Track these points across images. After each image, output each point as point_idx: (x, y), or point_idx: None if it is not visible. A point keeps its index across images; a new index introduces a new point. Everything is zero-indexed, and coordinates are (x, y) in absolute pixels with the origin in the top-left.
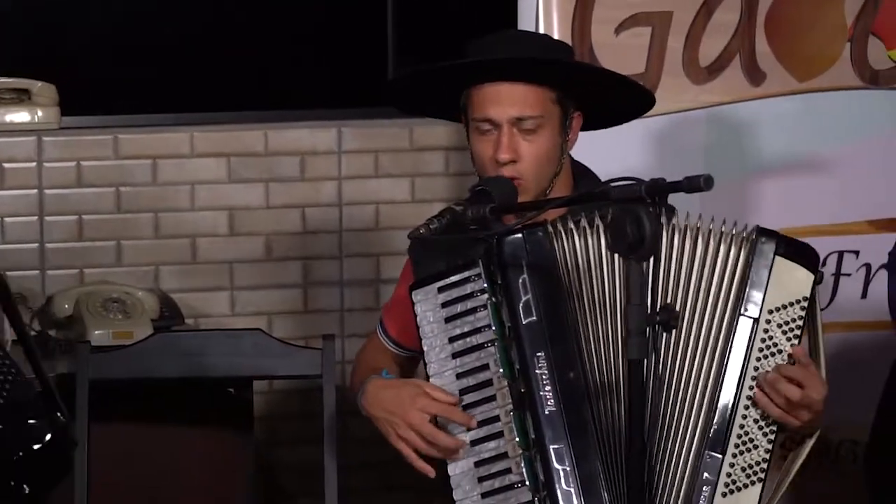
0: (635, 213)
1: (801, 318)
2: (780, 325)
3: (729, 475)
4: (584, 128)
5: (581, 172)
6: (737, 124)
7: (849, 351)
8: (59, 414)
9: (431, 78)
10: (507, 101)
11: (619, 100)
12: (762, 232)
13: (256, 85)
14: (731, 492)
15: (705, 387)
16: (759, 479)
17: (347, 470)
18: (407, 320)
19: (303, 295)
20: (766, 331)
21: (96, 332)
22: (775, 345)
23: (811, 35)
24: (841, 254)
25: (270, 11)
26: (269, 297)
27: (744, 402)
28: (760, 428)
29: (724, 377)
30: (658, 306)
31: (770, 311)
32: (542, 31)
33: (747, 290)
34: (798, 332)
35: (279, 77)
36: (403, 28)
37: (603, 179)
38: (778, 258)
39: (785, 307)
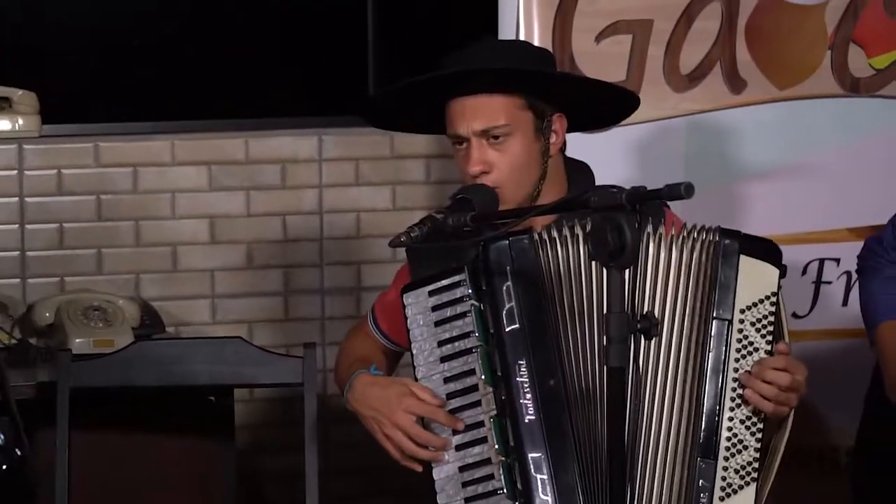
0: (616, 221)
1: (771, 313)
2: (753, 324)
3: (724, 479)
4: (575, 129)
5: (575, 168)
6: (717, 132)
7: (829, 358)
8: (17, 450)
9: (400, 96)
10: (470, 114)
11: (596, 103)
12: (724, 233)
13: (237, 93)
14: (728, 495)
15: (687, 393)
16: (753, 479)
17: (329, 478)
18: (398, 320)
19: (284, 303)
20: (740, 330)
21: (77, 340)
22: (751, 343)
23: (792, 43)
24: (822, 261)
25: (251, 19)
26: (250, 305)
27: (728, 404)
28: (748, 428)
29: (705, 382)
30: (638, 314)
31: (742, 311)
32: (522, 39)
33: (717, 292)
34: (771, 328)
35: (260, 85)
36: (384, 36)
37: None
38: (743, 257)
39: (756, 305)
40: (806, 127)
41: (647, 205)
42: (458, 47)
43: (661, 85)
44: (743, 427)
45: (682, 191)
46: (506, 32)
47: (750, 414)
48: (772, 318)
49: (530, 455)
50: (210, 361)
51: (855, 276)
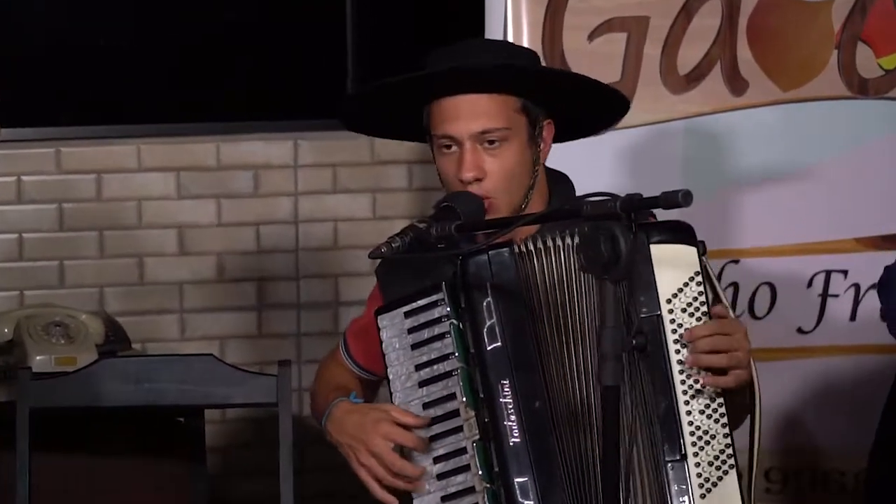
0: (610, 230)
1: (700, 292)
2: (684, 309)
3: (700, 475)
4: (557, 139)
5: (556, 179)
6: (717, 136)
7: (837, 377)
8: None
9: (385, 96)
10: (466, 115)
11: (591, 106)
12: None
13: (208, 95)
14: (709, 490)
15: (639, 401)
16: (731, 466)
17: (305, 502)
18: (373, 346)
19: (257, 318)
20: (672, 321)
21: (38, 357)
22: (687, 329)
23: (796, 42)
24: (828, 273)
25: (223, 17)
26: (221, 320)
27: (682, 398)
28: (709, 416)
29: (653, 382)
30: (633, 330)
31: (668, 301)
32: (510, 38)
33: (635, 291)
34: (704, 307)
35: (232, 86)
36: (364, 35)
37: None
38: (653, 247)
39: (682, 290)
40: (811, 131)
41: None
42: (436, 50)
43: (657, 86)
44: (704, 417)
45: (679, 199)
46: (493, 31)
47: (708, 401)
48: (703, 298)
49: (516, 480)
50: (179, 380)
51: (864, 289)
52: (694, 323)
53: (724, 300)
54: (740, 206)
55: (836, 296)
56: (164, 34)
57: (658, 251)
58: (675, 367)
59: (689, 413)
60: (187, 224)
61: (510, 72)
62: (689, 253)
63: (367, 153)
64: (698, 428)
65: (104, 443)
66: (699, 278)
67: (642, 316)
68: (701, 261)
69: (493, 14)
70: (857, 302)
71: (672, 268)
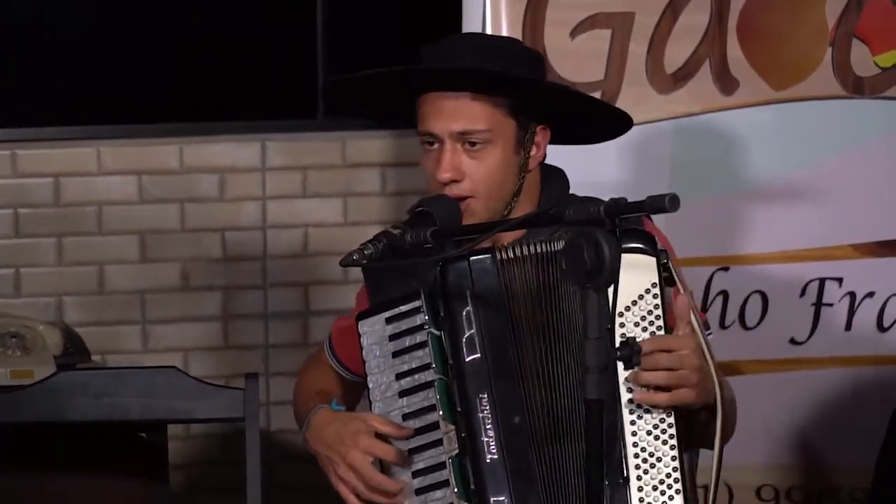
0: (593, 237)
1: (657, 305)
2: (637, 324)
3: (641, 500)
4: (553, 141)
5: (549, 176)
6: (706, 137)
7: (832, 390)
8: None
9: (374, 84)
10: (449, 114)
11: (590, 120)
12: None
13: (171, 94)
14: None
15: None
16: (678, 491)
17: None
18: (357, 347)
19: (223, 329)
20: (623, 335)
21: None
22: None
23: (789, 39)
24: (822, 281)
25: (186, 12)
26: (185, 331)
27: (627, 417)
28: (657, 437)
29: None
30: (617, 341)
31: (620, 314)
32: (489, 33)
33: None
34: (660, 321)
35: (197, 85)
36: (335, 30)
37: (571, 192)
38: None
39: (636, 302)
40: (804, 132)
41: (627, 219)
42: (421, 43)
43: (643, 85)
44: (651, 438)
45: (666, 203)
46: (471, 25)
47: (657, 422)
48: (659, 312)
49: (493, 499)
50: (141, 394)
51: (860, 297)
52: (646, 338)
53: (692, 312)
54: (730, 211)
55: (831, 305)
56: (125, 31)
57: None
58: (623, 386)
59: (634, 434)
60: (150, 230)
61: (505, 81)
62: (647, 263)
63: (339, 155)
64: (643, 450)
65: (62, 460)
66: (656, 290)
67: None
68: (660, 272)
69: (471, 10)
70: (852, 311)
71: (628, 279)
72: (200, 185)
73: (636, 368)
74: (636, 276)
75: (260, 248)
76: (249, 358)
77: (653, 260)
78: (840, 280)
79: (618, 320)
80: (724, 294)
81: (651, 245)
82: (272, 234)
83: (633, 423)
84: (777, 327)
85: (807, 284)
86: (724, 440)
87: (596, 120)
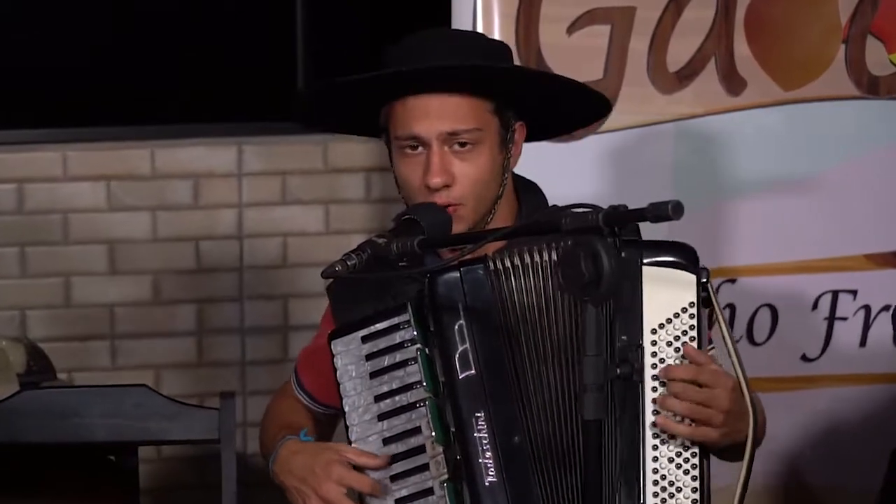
0: (591, 246)
1: (693, 326)
2: (670, 343)
3: None
4: (527, 139)
5: (525, 188)
6: (711, 141)
7: (845, 409)
8: None
9: (348, 91)
10: (436, 114)
11: (569, 107)
12: (624, 243)
13: (141, 95)
14: None
15: (605, 441)
16: None
17: None
18: (326, 373)
19: (197, 344)
20: (654, 354)
21: None
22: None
23: (799, 35)
24: (835, 294)
25: (158, 8)
26: (157, 347)
27: (650, 441)
28: (679, 466)
29: (622, 419)
30: (617, 357)
31: (654, 331)
32: (480, 31)
33: (618, 314)
34: (694, 344)
35: (169, 86)
36: (315, 29)
37: (552, 204)
38: (646, 268)
39: (671, 321)
40: (816, 134)
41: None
42: (396, 43)
43: (645, 85)
44: (673, 466)
45: (668, 210)
46: (461, 23)
47: (680, 450)
48: (694, 333)
49: None
50: (110, 414)
51: (876, 311)
52: (678, 361)
53: (729, 345)
54: (737, 219)
55: (845, 319)
56: (93, 27)
57: (651, 273)
58: (649, 407)
59: (655, 460)
60: (119, 239)
61: (494, 73)
62: (686, 280)
63: (320, 160)
64: (663, 477)
65: (26, 484)
66: (693, 310)
67: (619, 345)
68: (699, 291)
69: (461, 5)
70: (867, 326)
71: (664, 295)
72: (173, 191)
73: (664, 390)
74: (673, 292)
75: (236, 258)
76: (225, 375)
77: (693, 278)
78: (854, 292)
79: (650, 337)
80: (731, 307)
81: (692, 261)
82: (249, 244)
83: (655, 447)
84: (787, 343)
85: (819, 297)
86: (748, 475)
87: (578, 108)
